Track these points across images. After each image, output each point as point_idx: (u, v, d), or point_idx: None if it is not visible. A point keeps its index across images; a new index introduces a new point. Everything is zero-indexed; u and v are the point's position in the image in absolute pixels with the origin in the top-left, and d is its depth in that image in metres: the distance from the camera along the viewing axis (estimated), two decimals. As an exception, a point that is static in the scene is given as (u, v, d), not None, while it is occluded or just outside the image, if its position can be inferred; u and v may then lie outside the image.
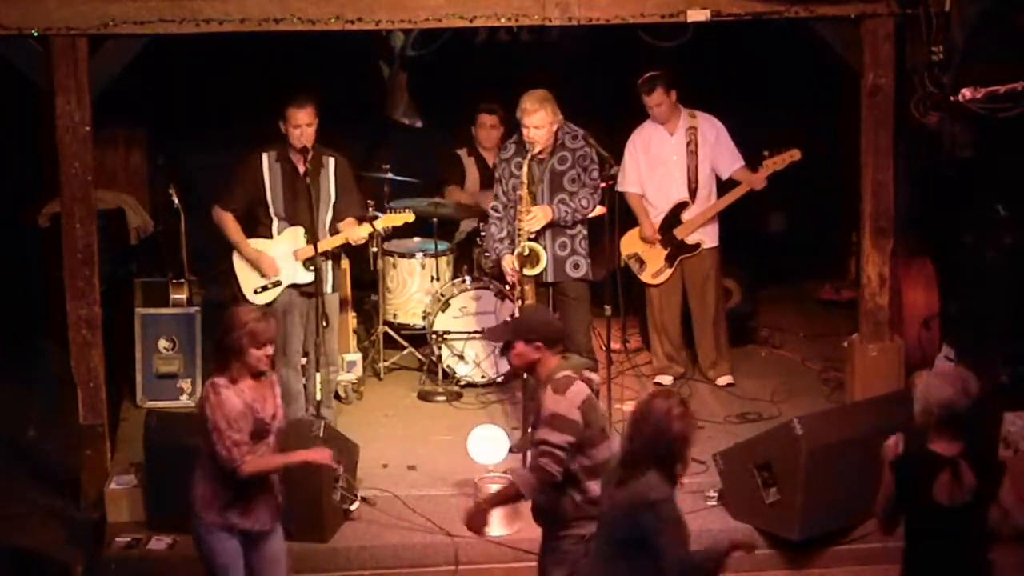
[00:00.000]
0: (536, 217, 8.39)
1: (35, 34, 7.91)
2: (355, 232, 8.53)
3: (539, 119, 8.30)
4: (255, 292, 8.59)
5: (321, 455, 6.65)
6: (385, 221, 8.80)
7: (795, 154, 9.04)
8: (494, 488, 7.86)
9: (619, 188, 9.09)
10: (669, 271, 9.30)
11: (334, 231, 8.58)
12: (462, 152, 10.20)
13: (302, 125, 8.33)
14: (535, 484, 6.25)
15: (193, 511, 6.56)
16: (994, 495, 5.77)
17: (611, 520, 5.75)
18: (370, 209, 9.36)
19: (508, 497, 6.49)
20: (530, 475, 6.30)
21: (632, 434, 5.69)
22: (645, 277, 9.33)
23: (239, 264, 8.60)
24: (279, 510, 6.63)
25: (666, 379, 9.39)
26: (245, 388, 6.44)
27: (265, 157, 8.50)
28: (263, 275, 8.55)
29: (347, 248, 8.73)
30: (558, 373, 6.36)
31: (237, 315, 6.47)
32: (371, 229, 8.63)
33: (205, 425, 6.39)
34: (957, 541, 5.85)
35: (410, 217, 8.90)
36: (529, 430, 6.41)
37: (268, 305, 8.59)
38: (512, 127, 9.11)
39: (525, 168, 8.38)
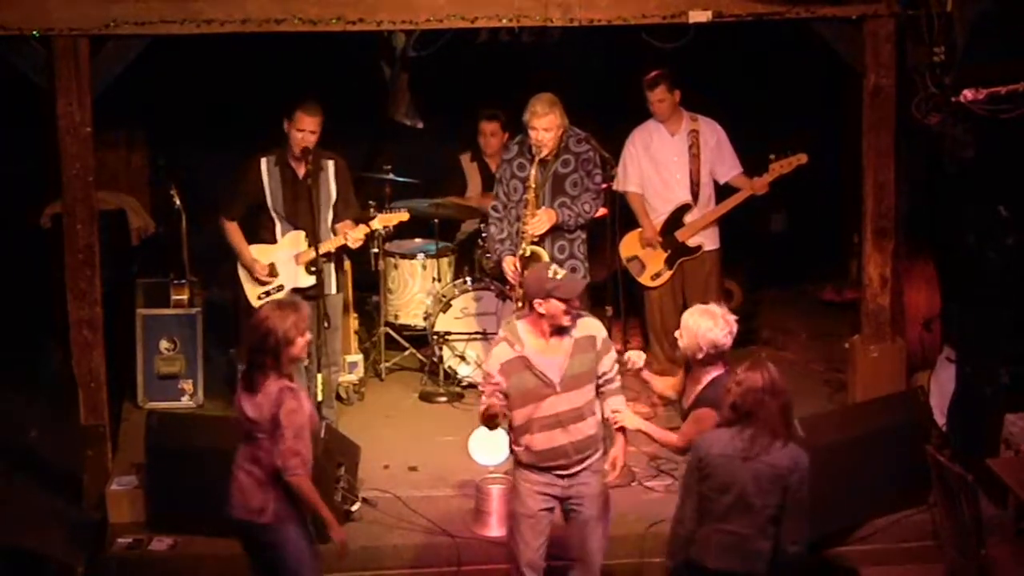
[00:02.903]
0: (540, 220, 8.38)
1: (36, 35, 7.91)
2: (352, 234, 8.54)
3: (548, 122, 8.30)
4: (258, 298, 8.63)
5: (338, 535, 6.68)
6: (381, 221, 8.82)
7: (801, 158, 9.04)
8: (495, 489, 7.87)
9: (619, 188, 9.08)
10: (668, 273, 9.29)
11: (334, 232, 8.59)
12: (464, 157, 10.20)
13: (306, 130, 8.35)
14: None
15: (262, 520, 6.51)
16: None
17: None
18: (371, 209, 9.39)
19: None
20: None
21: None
22: (644, 279, 9.32)
23: (243, 270, 8.64)
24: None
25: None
26: None
27: (264, 161, 8.53)
28: (262, 282, 8.57)
29: (348, 249, 8.74)
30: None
31: (269, 313, 6.47)
32: (367, 230, 8.65)
33: (267, 425, 6.43)
34: None
35: (405, 216, 8.91)
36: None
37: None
38: (514, 130, 9.10)
39: (533, 171, 8.36)
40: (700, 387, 6.74)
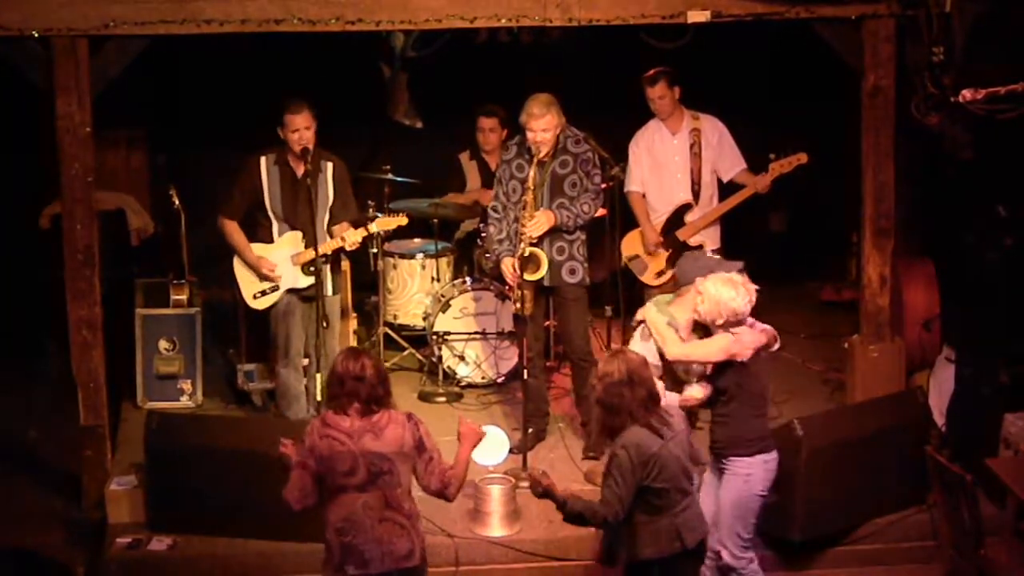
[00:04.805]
0: (539, 222, 8.37)
1: (36, 35, 7.91)
2: (350, 236, 8.54)
3: (546, 123, 8.28)
4: (254, 297, 8.62)
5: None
6: (379, 224, 8.82)
7: (802, 157, 9.04)
8: (495, 489, 7.87)
9: (625, 188, 9.11)
10: (670, 272, 9.28)
11: (330, 234, 8.58)
12: (464, 156, 10.20)
13: (300, 129, 8.35)
14: None
15: (411, 563, 6.24)
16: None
17: None
18: (371, 210, 9.39)
19: None
20: None
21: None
22: (646, 278, 9.31)
23: (239, 269, 8.63)
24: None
25: (667, 380, 9.39)
26: None
27: (263, 160, 8.52)
28: (262, 279, 8.57)
29: (346, 250, 8.73)
30: None
31: (366, 359, 6.30)
32: (365, 233, 8.64)
33: (407, 452, 6.22)
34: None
35: (403, 221, 8.90)
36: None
37: (269, 309, 8.62)
38: (513, 128, 9.10)
39: (533, 172, 8.35)
40: None
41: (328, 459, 6.14)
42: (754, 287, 6.94)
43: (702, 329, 7.07)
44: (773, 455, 6.94)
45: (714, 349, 6.87)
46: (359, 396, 6.18)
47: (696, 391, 6.99)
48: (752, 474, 6.86)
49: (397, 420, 6.23)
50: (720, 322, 6.87)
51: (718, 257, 7.14)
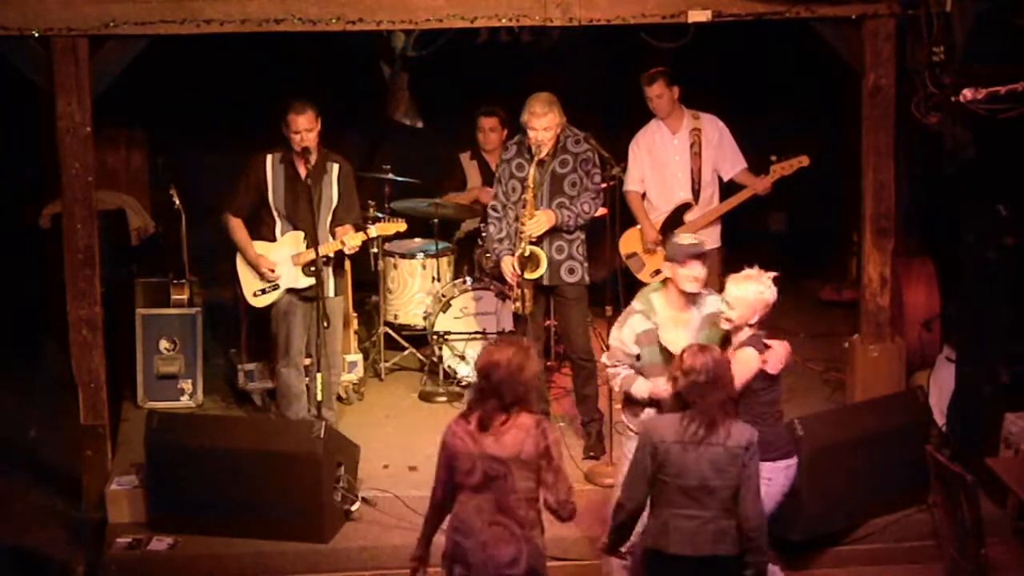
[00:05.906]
0: (539, 222, 8.37)
1: (36, 35, 7.91)
2: (350, 239, 8.54)
3: (548, 122, 8.28)
4: (255, 295, 8.62)
5: None
6: (379, 229, 8.84)
7: (803, 160, 9.04)
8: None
9: (623, 188, 9.12)
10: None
11: (333, 235, 8.58)
12: (464, 156, 10.20)
13: (301, 131, 8.34)
14: None
15: (516, 571, 6.06)
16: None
17: None
18: (371, 210, 9.39)
19: None
20: None
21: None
22: (643, 276, 9.32)
23: (241, 267, 8.64)
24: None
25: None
26: None
27: (269, 158, 8.52)
28: (262, 278, 8.57)
29: (346, 253, 8.73)
30: None
31: (512, 352, 6.05)
32: (364, 237, 8.64)
33: (528, 460, 6.03)
34: None
35: (402, 226, 8.92)
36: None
37: (270, 308, 8.62)
38: (513, 128, 9.10)
39: (533, 172, 8.35)
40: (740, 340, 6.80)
41: (453, 456, 6.15)
42: (772, 274, 6.81)
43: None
44: (794, 460, 6.91)
45: (745, 370, 6.68)
46: (486, 402, 6.07)
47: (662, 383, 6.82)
48: (772, 479, 6.76)
49: (521, 425, 6.04)
50: (755, 320, 6.75)
51: (690, 239, 7.00)
